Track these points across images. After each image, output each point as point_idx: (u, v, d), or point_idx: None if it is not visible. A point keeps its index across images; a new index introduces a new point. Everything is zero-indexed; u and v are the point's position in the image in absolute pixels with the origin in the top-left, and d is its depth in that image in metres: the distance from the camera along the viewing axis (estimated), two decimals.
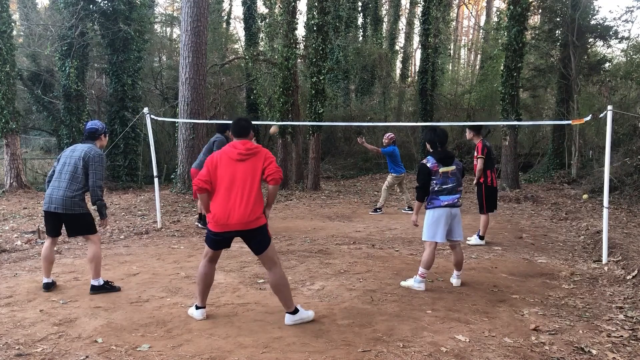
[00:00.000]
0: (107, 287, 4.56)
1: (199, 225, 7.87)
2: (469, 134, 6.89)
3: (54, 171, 4.57)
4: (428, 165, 4.63)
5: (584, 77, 15.46)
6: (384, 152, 9.71)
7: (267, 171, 3.64)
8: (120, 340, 3.41)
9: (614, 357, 3.26)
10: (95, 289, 4.49)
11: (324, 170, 17.36)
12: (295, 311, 3.74)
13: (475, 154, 6.74)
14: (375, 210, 9.83)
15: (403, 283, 4.82)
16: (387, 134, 9.75)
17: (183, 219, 8.81)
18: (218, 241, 3.72)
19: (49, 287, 4.57)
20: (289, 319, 3.73)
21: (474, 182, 6.88)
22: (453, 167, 4.67)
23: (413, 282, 4.73)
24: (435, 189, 4.63)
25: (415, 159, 19.72)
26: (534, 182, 15.15)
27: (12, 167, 13.13)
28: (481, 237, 6.84)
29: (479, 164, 6.67)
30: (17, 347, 3.29)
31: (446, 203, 4.63)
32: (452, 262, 4.94)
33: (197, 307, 3.87)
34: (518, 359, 3.22)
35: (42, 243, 6.65)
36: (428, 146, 4.87)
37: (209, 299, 4.31)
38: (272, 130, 8.45)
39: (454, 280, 4.89)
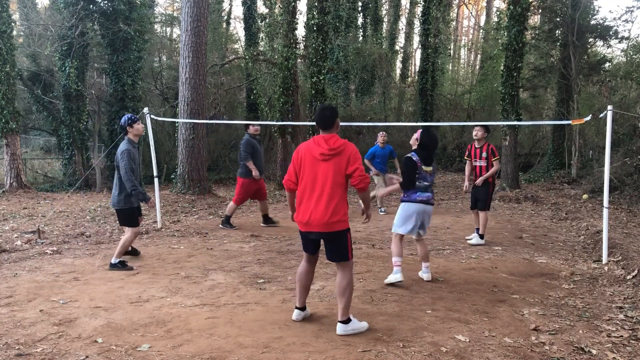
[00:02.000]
0: (119, 266, 5.31)
1: (221, 226, 7.97)
2: (482, 133, 6.84)
3: None
4: (414, 159, 4.80)
5: (584, 77, 15.46)
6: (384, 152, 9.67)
7: (352, 181, 3.49)
8: (120, 340, 3.41)
9: (614, 357, 3.26)
10: (111, 266, 5.34)
11: None
12: (348, 320, 3.56)
13: (488, 155, 6.79)
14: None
15: (386, 281, 4.83)
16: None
17: (183, 219, 8.81)
18: (305, 242, 3.69)
19: (135, 252, 5.79)
20: (341, 328, 3.53)
21: (480, 181, 6.83)
22: (431, 168, 4.88)
23: (392, 276, 4.78)
24: (417, 184, 4.82)
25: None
26: (534, 182, 15.15)
27: (12, 167, 13.13)
28: (481, 236, 6.85)
29: (496, 165, 6.80)
30: (17, 347, 3.28)
31: (421, 199, 4.80)
32: (419, 256, 5.03)
33: (296, 307, 3.83)
34: (518, 359, 3.22)
35: (42, 243, 6.66)
36: (418, 146, 4.89)
37: (209, 298, 4.32)
38: None
39: (425, 275, 4.96)
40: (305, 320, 3.80)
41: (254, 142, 7.82)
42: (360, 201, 3.72)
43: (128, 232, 5.44)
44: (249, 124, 7.99)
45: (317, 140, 3.57)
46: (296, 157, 3.62)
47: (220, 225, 7.99)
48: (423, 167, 4.81)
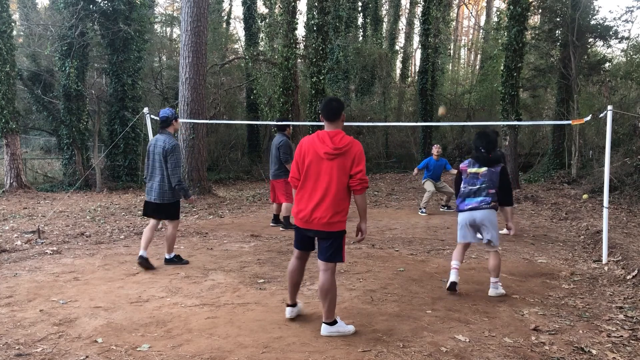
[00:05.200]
0: (175, 261, 5.51)
1: (280, 227, 7.89)
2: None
3: (148, 167, 5.39)
4: (460, 165, 4.71)
5: (584, 77, 15.46)
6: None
7: (352, 182, 3.41)
8: (120, 340, 3.41)
9: (614, 357, 3.26)
10: (167, 261, 5.50)
11: None
12: (334, 322, 3.53)
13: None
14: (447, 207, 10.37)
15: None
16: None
17: (183, 219, 8.81)
18: (300, 239, 3.62)
19: (143, 260, 5.22)
20: (325, 329, 3.51)
21: None
22: (484, 169, 4.53)
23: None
24: (462, 191, 4.62)
25: (415, 159, 19.73)
26: (534, 182, 15.14)
27: (12, 167, 13.14)
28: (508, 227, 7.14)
29: None
30: (17, 347, 3.28)
31: (468, 207, 4.56)
32: (489, 268, 4.63)
33: (287, 305, 3.82)
34: (518, 359, 3.22)
35: (42, 243, 6.66)
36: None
37: (209, 298, 4.32)
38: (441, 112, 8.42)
39: (490, 291, 4.55)
40: (305, 320, 3.80)
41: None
42: (358, 210, 3.58)
43: (172, 225, 5.43)
44: (286, 126, 7.84)
45: (322, 137, 3.47)
46: (299, 152, 3.55)
47: (281, 228, 7.86)
48: (470, 169, 4.57)
